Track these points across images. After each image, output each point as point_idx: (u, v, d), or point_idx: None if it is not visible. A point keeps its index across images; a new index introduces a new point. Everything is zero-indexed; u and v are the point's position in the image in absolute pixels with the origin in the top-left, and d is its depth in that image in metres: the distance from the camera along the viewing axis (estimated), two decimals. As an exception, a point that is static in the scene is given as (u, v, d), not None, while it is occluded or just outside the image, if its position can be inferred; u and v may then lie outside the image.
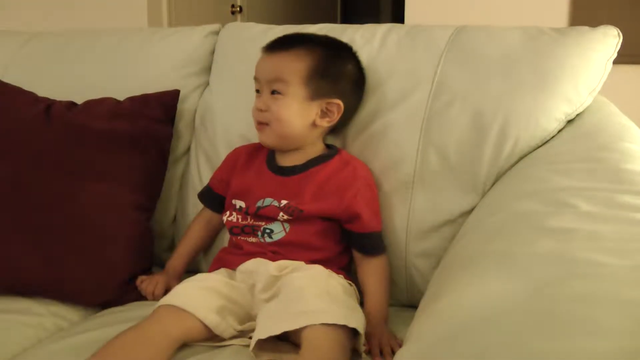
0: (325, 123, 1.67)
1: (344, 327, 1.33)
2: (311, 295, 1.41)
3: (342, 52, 1.72)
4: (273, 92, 1.62)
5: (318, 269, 1.55)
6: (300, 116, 1.63)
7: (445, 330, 0.99)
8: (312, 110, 1.64)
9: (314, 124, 1.66)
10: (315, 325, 1.31)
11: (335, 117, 1.67)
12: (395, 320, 1.58)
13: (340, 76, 1.69)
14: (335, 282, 1.51)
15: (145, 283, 1.72)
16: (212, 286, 1.52)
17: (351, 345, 1.38)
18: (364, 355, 1.40)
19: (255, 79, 1.67)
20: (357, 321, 1.36)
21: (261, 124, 1.65)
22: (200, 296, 1.48)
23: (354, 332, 1.37)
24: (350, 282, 1.59)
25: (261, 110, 1.63)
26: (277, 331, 1.33)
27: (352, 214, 1.61)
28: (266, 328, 1.35)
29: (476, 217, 1.52)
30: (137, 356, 1.33)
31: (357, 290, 1.62)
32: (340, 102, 1.66)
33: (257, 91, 1.66)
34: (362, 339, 1.37)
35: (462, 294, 1.08)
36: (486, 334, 0.90)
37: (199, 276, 1.60)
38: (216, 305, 1.47)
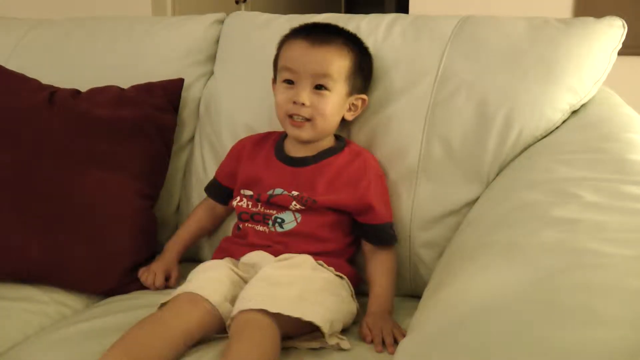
0: (351, 117, 1.70)
1: (291, 318, 1.33)
2: (270, 285, 1.42)
3: (366, 48, 1.73)
4: (319, 87, 1.61)
5: (304, 259, 1.55)
6: (338, 112, 1.66)
7: (449, 320, 1.00)
8: (345, 106, 1.67)
9: (342, 118, 1.69)
10: (245, 310, 1.33)
11: (359, 110, 1.71)
12: (399, 310, 1.58)
13: (369, 72, 1.73)
14: (318, 276, 1.52)
15: (145, 275, 1.72)
16: (229, 276, 1.53)
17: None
18: (344, 344, 1.40)
19: (288, 69, 1.63)
20: (316, 316, 1.36)
21: (299, 120, 1.62)
22: (220, 287, 1.48)
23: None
24: (340, 274, 1.58)
25: (303, 105, 1.60)
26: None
27: (364, 205, 1.62)
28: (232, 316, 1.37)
29: (480, 207, 1.53)
30: (154, 349, 1.32)
31: (354, 282, 1.61)
32: (366, 97, 1.71)
33: (289, 82, 1.63)
34: (326, 335, 1.36)
35: (466, 284, 1.09)
36: (490, 324, 0.90)
37: (213, 264, 1.61)
38: (232, 295, 1.47)
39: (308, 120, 1.61)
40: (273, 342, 1.31)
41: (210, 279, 1.50)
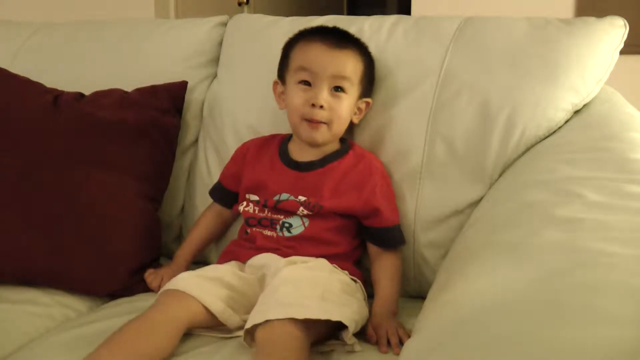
0: (357, 120, 1.72)
1: (319, 320, 1.32)
2: (293, 288, 1.41)
3: (371, 53, 1.74)
4: (336, 89, 1.62)
5: (321, 263, 1.56)
6: (350, 115, 1.67)
7: (454, 320, 1.00)
8: (354, 109, 1.68)
9: (350, 121, 1.69)
10: (273, 320, 1.30)
11: (363, 113, 1.72)
12: (403, 311, 1.58)
13: (374, 76, 1.74)
14: (336, 278, 1.52)
15: (152, 277, 1.72)
16: (218, 276, 1.52)
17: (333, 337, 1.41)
18: (356, 346, 1.40)
19: (305, 69, 1.62)
20: (342, 315, 1.36)
21: (317, 122, 1.62)
22: (203, 284, 1.47)
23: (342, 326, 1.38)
24: (355, 278, 1.59)
25: (322, 107, 1.60)
26: (252, 323, 1.33)
27: (371, 209, 1.62)
28: (250, 319, 1.35)
29: (484, 208, 1.53)
30: (144, 344, 1.33)
31: (364, 284, 1.62)
32: (371, 100, 1.72)
33: (306, 83, 1.63)
34: (349, 333, 1.37)
35: (470, 284, 1.09)
36: (494, 324, 0.90)
37: (206, 268, 1.61)
38: (221, 294, 1.47)
39: (325, 123, 1.62)
40: (303, 355, 1.29)
41: (198, 280, 1.49)
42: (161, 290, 1.48)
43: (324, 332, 1.39)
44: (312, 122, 1.62)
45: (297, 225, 1.63)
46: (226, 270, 1.56)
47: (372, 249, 1.67)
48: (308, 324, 1.31)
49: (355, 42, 1.70)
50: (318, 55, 1.62)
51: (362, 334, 1.46)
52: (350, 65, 1.63)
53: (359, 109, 1.70)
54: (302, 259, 1.56)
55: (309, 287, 1.42)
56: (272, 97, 1.75)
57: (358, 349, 1.39)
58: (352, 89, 1.63)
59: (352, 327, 1.36)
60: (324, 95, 1.60)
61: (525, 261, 1.05)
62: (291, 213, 1.63)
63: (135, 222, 1.74)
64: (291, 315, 1.30)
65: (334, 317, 1.33)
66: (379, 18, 1.88)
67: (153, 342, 1.34)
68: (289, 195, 1.64)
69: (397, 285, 1.62)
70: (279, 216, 1.64)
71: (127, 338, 1.33)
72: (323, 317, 1.32)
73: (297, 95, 1.64)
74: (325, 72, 1.60)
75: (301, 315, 1.30)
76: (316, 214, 1.61)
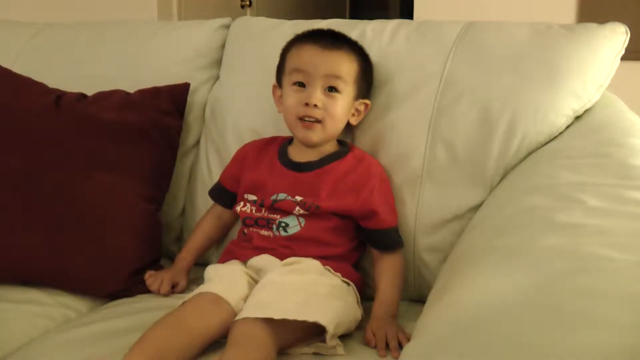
0: (355, 122, 1.72)
1: (296, 323, 1.33)
2: (274, 290, 1.42)
3: (368, 55, 1.74)
4: (330, 89, 1.63)
5: (312, 264, 1.55)
6: (346, 115, 1.67)
7: (453, 324, 1.00)
8: (351, 110, 1.69)
9: (347, 122, 1.70)
10: (245, 319, 1.32)
11: (362, 115, 1.73)
12: (404, 315, 1.58)
13: (371, 79, 1.74)
14: (325, 281, 1.51)
15: (152, 279, 1.72)
16: (245, 279, 1.55)
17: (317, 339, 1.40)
18: (339, 349, 1.39)
19: (299, 70, 1.64)
20: (321, 317, 1.35)
21: (310, 121, 1.63)
22: (239, 289, 1.49)
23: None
24: (347, 280, 1.58)
25: (316, 107, 1.61)
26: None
27: (368, 210, 1.62)
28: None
29: (484, 212, 1.53)
30: (175, 351, 1.33)
31: (359, 288, 1.61)
32: (369, 102, 1.72)
33: (300, 84, 1.64)
34: (328, 335, 1.36)
35: (470, 288, 1.09)
36: (492, 328, 0.90)
37: (229, 266, 1.62)
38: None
39: (319, 121, 1.62)
40: (267, 354, 1.30)
41: (230, 281, 1.51)
42: (200, 290, 1.49)
43: (302, 336, 1.39)
44: (307, 120, 1.62)
45: (294, 225, 1.63)
46: (245, 272, 1.58)
47: (373, 251, 1.67)
48: (283, 325, 1.32)
49: (349, 42, 1.70)
50: (311, 56, 1.64)
51: (359, 338, 1.46)
52: (343, 65, 1.63)
53: (357, 110, 1.70)
54: (298, 260, 1.56)
55: (291, 289, 1.43)
56: (273, 99, 1.75)
57: (340, 352, 1.39)
58: (347, 89, 1.64)
59: (331, 329, 1.35)
60: (318, 95, 1.61)
61: (525, 266, 1.06)
62: (287, 213, 1.63)
63: (136, 223, 1.74)
64: (266, 315, 1.31)
65: (310, 319, 1.33)
66: (381, 22, 1.88)
67: (184, 349, 1.35)
68: (286, 195, 1.64)
69: (398, 288, 1.62)
70: (275, 216, 1.64)
71: (160, 341, 1.33)
72: (299, 317, 1.32)
73: (291, 96, 1.65)
74: (318, 72, 1.61)
75: (277, 315, 1.31)
76: (312, 213, 1.61)
